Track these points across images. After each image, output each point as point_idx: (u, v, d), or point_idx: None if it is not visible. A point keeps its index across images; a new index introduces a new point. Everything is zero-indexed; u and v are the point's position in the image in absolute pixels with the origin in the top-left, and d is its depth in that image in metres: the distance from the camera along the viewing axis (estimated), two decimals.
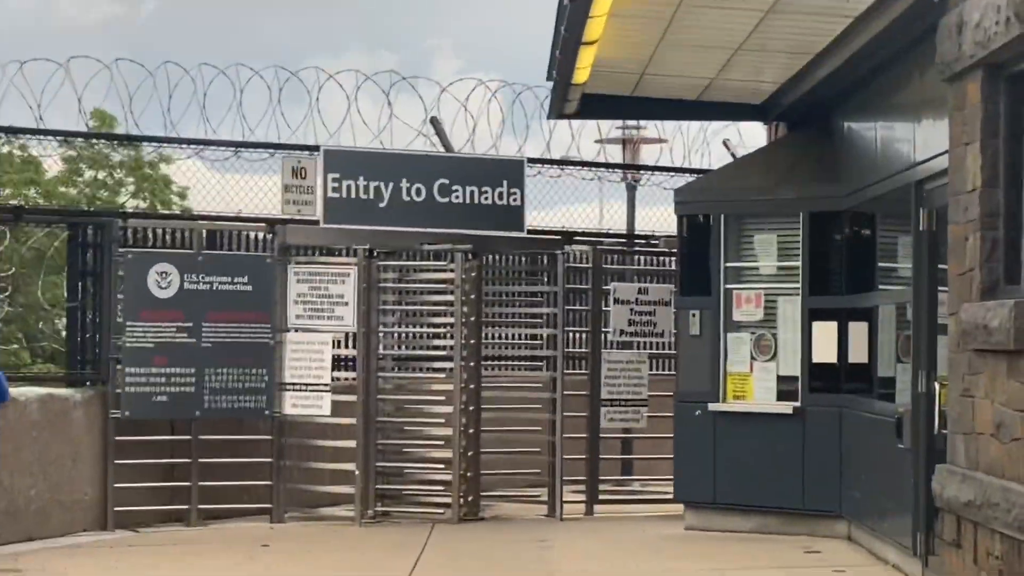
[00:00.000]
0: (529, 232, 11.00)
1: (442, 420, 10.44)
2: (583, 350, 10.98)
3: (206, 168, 11.42)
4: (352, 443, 10.12)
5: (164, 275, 9.88)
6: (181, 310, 9.93)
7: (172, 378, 9.93)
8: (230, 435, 10.22)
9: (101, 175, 25.95)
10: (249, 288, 10.14)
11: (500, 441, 10.76)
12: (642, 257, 11.89)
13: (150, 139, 11.61)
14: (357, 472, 10.04)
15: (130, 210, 10.47)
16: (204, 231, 10.30)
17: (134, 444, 9.89)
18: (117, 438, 9.82)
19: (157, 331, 9.87)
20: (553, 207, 12.37)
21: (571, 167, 12.30)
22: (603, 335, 10.84)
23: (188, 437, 10.07)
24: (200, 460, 9.98)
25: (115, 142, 14.75)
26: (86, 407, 9.81)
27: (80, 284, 10.26)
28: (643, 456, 11.68)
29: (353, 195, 10.37)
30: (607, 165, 12.84)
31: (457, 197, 10.60)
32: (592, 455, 10.83)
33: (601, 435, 10.89)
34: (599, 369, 10.74)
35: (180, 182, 18.13)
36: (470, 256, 10.28)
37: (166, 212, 9.98)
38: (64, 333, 11.66)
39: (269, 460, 10.17)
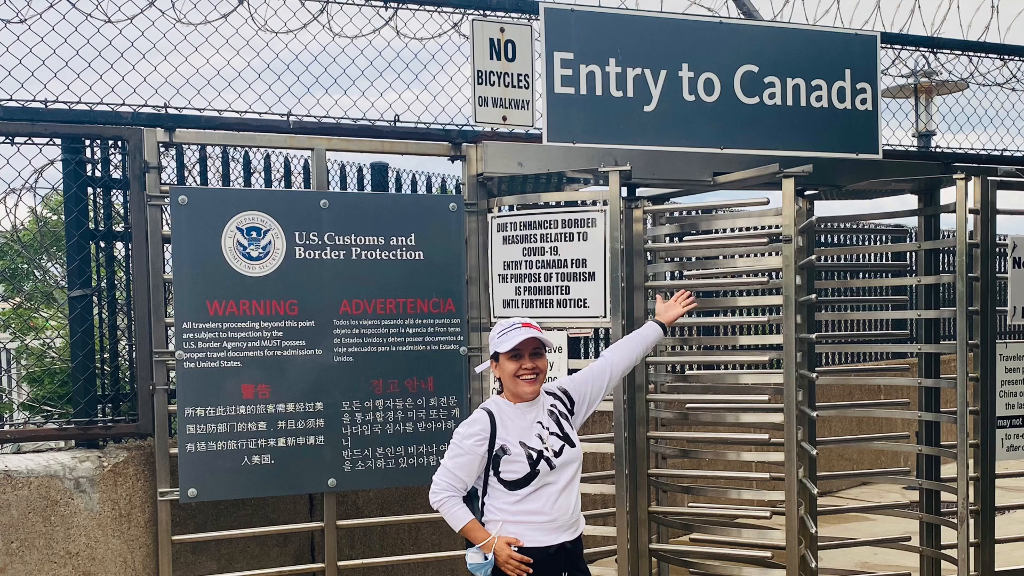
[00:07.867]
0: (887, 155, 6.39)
1: (755, 431, 5.96)
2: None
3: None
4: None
5: (254, 233, 5.23)
6: (291, 298, 5.31)
7: (279, 422, 5.27)
8: (398, 513, 5.82)
9: None
10: (419, 255, 5.50)
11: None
12: None
13: None
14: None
15: (178, 111, 5.51)
16: (325, 154, 5.50)
17: (210, 549, 5.22)
18: (175, 538, 5.15)
19: (244, 338, 5.24)
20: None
21: (954, 53, 7.21)
22: (994, 316, 6.28)
23: (317, 524, 5.43)
24: (342, 564, 5.43)
25: None
26: (105, 487, 5.21)
27: (88, 255, 5.39)
28: None
29: (598, 90, 5.72)
30: None
31: (772, 96, 6.02)
32: (986, 505, 6.30)
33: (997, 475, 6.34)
34: (991, 370, 6.25)
35: None
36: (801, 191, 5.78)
37: (249, 117, 5.32)
38: (58, 347, 6.84)
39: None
